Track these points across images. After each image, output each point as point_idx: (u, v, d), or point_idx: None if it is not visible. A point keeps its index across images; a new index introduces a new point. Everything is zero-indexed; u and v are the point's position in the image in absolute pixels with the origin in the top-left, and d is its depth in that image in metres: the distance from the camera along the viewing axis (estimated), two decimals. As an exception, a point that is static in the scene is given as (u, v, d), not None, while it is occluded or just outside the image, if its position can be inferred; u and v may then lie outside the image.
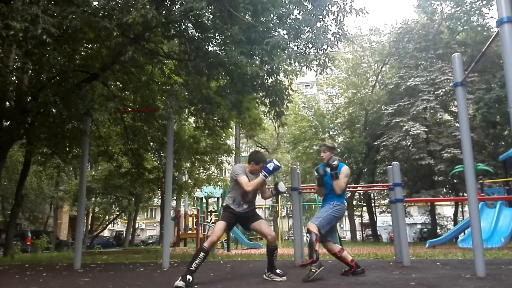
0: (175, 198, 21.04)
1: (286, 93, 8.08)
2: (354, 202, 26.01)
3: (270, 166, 4.09)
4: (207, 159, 14.02)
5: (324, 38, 6.61)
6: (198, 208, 16.36)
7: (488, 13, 18.99)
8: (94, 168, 21.32)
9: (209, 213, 16.45)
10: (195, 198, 20.92)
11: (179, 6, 6.54)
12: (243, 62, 5.86)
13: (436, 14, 20.49)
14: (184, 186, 16.27)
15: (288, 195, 28.55)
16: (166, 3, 7.01)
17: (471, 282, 3.67)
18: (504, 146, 18.88)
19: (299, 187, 6.39)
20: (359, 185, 21.29)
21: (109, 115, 6.50)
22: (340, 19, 6.80)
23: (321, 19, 6.82)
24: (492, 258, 6.54)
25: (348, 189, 6.39)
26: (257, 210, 4.47)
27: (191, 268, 3.84)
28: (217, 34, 7.12)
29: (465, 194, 8.96)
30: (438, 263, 5.64)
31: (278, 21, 6.57)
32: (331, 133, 24.86)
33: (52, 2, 6.13)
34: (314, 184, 4.97)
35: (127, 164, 13.38)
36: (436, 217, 23.88)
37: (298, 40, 6.91)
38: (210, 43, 7.56)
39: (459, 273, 4.33)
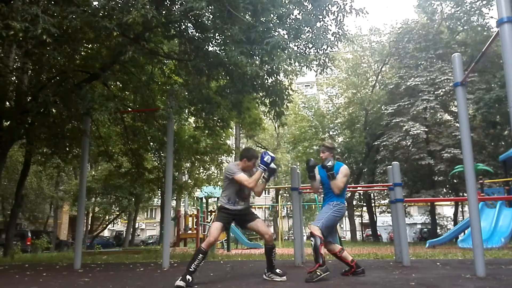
0: (175, 198, 21.04)
1: (286, 93, 8.09)
2: (354, 202, 26.00)
3: (268, 159, 4.05)
4: (207, 159, 14.03)
5: (324, 38, 6.61)
6: (198, 208, 16.35)
7: (488, 13, 19.00)
8: (94, 168, 21.33)
9: (209, 213, 16.45)
10: (195, 198, 20.92)
11: (179, 6, 6.55)
12: (243, 62, 5.86)
13: (436, 14, 20.49)
14: (184, 186, 16.28)
15: (288, 194, 28.59)
16: (166, 3, 7.01)
17: (471, 282, 3.66)
18: (504, 146, 18.87)
19: (299, 187, 6.38)
20: (359, 185, 21.28)
21: (109, 115, 6.50)
22: (340, 19, 6.80)
23: (321, 19, 6.82)
24: (492, 258, 6.54)
25: (348, 189, 6.39)
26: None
27: (190, 269, 3.84)
28: (217, 34, 7.12)
29: (465, 194, 8.96)
30: (438, 263, 5.64)
31: (278, 21, 6.57)
32: (331, 133, 24.85)
33: (52, 2, 6.12)
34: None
35: (127, 164, 13.38)
36: (436, 217, 23.86)
37: (298, 40, 6.91)
38: (210, 43, 7.56)
39: (459, 273, 4.33)
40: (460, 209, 26.07)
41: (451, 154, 16.63)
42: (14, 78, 8.55)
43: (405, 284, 3.61)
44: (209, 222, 14.74)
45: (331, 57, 7.20)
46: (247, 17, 6.39)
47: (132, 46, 6.23)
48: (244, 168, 4.18)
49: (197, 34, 7.50)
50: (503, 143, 19.68)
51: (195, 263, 3.87)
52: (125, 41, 6.38)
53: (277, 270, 4.15)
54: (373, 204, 27.44)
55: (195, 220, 15.23)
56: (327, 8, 6.75)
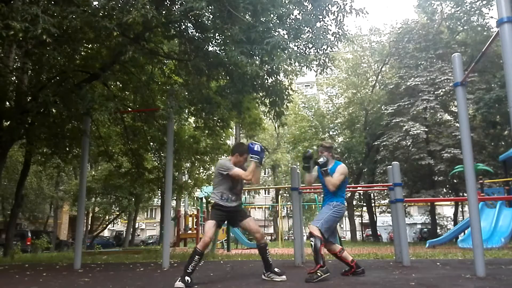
0: (175, 198, 21.05)
1: (286, 93, 8.09)
2: (354, 202, 25.99)
3: (257, 148, 4.07)
4: (207, 159, 14.04)
5: (324, 38, 6.61)
6: (198, 208, 16.36)
7: (488, 13, 19.00)
8: (94, 168, 21.34)
9: (209, 213, 16.43)
10: (195, 198, 20.94)
11: (179, 6, 6.55)
12: (243, 62, 5.86)
13: (436, 14, 20.49)
14: (184, 186, 16.29)
15: (288, 194, 28.59)
16: (166, 3, 7.02)
17: (471, 282, 3.66)
18: (504, 146, 18.87)
19: (299, 187, 6.38)
20: (359, 185, 21.28)
21: (109, 115, 6.50)
22: (340, 19, 6.80)
23: (321, 19, 6.82)
24: (492, 258, 6.54)
25: (348, 189, 6.38)
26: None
27: (188, 271, 3.83)
28: (217, 34, 7.12)
29: (465, 194, 8.97)
30: (438, 263, 5.64)
31: (278, 21, 6.57)
32: (331, 133, 24.86)
33: (52, 2, 6.13)
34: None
35: (127, 164, 13.38)
36: (436, 217, 23.85)
37: (298, 40, 6.91)
38: (210, 43, 7.56)
39: (459, 273, 4.33)
40: (460, 209, 26.07)
41: (451, 154, 16.63)
42: (14, 78, 8.55)
43: (405, 284, 3.61)
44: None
45: (331, 57, 7.19)
46: (247, 17, 6.39)
47: (132, 46, 6.23)
48: (236, 163, 4.16)
49: (197, 34, 7.50)
50: (503, 143, 19.68)
51: (192, 264, 3.85)
52: (125, 41, 6.38)
53: (276, 269, 4.13)
54: (373, 204, 27.43)
55: (195, 220, 15.24)
56: (327, 8, 6.75)
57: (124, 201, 22.07)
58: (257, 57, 6.45)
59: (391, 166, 5.95)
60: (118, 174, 13.31)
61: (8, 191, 20.32)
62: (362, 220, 33.25)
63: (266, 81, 7.81)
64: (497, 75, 17.91)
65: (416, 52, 19.44)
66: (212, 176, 16.84)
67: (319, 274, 3.92)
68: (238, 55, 5.84)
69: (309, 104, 25.77)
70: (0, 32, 4.87)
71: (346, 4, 6.64)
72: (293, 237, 6.72)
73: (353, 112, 22.95)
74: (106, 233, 36.79)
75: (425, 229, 30.85)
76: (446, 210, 35.82)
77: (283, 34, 6.70)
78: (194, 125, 11.47)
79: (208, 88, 8.28)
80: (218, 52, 7.50)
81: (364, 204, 27.72)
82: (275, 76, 7.77)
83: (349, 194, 21.82)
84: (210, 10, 6.31)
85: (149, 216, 45.46)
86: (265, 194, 39.86)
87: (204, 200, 17.85)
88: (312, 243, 4.07)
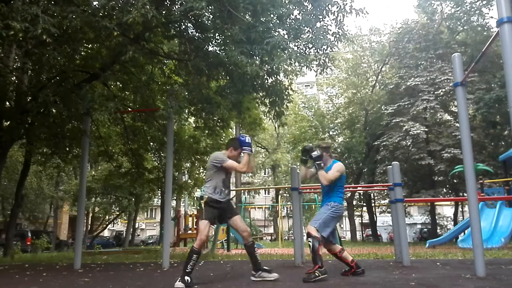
0: (175, 198, 21.06)
1: (286, 93, 8.10)
2: (354, 202, 26.00)
3: (248, 139, 4.13)
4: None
5: (324, 38, 6.61)
6: (198, 208, 16.36)
7: (488, 13, 19.00)
8: (94, 168, 21.33)
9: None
10: (195, 198, 20.93)
11: (179, 6, 6.55)
12: (243, 62, 5.86)
13: (436, 14, 20.49)
14: (184, 186, 16.29)
15: (288, 194, 28.56)
16: (166, 3, 7.02)
17: (471, 282, 3.66)
18: (504, 146, 18.87)
19: (299, 187, 6.38)
20: (359, 185, 21.29)
21: (109, 115, 6.51)
22: (340, 19, 6.80)
23: (321, 19, 6.82)
24: (492, 258, 6.54)
25: (348, 189, 6.39)
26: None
27: (186, 270, 3.83)
28: (217, 34, 7.13)
29: (465, 194, 8.96)
30: (438, 263, 5.64)
31: (278, 21, 6.57)
32: (331, 133, 24.86)
33: (52, 2, 6.13)
34: (313, 183, 4.95)
35: (127, 164, 13.38)
36: (436, 217, 23.86)
37: (298, 40, 6.91)
38: (210, 43, 7.57)
39: (459, 273, 4.32)
40: (460, 209, 26.07)
41: (451, 154, 16.63)
42: (14, 78, 8.55)
43: (405, 284, 3.61)
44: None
45: (331, 57, 7.20)
46: (247, 17, 6.39)
47: (132, 46, 6.23)
48: (230, 157, 4.17)
49: (197, 34, 7.50)
50: (503, 143, 19.67)
51: (190, 264, 3.86)
52: (125, 41, 6.38)
53: (265, 267, 4.10)
54: (373, 204, 27.44)
55: (195, 220, 15.23)
56: (327, 8, 6.75)
57: (124, 201, 22.08)
58: (257, 57, 6.45)
59: (391, 166, 5.95)
60: (118, 174, 13.31)
61: (8, 191, 20.31)
62: (362, 220, 33.26)
63: (266, 81, 7.81)
64: (497, 75, 17.92)
65: (416, 52, 19.45)
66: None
67: (317, 274, 3.93)
68: (238, 55, 5.84)
69: (309, 104, 25.78)
70: (0, 32, 4.88)
71: (346, 4, 6.64)
72: (293, 237, 6.72)
73: (353, 112, 22.95)
74: (106, 233, 36.79)
75: (425, 229, 30.85)
76: (446, 210, 35.82)
77: (283, 34, 6.71)
78: (194, 125, 11.46)
79: (208, 88, 8.28)
80: (218, 52, 7.51)
81: (364, 204, 27.72)
82: (275, 76, 7.77)
83: (349, 194, 21.84)
84: (210, 10, 6.31)
85: (149, 216, 45.47)
86: (265, 194, 39.86)
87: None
88: (310, 244, 4.08)
